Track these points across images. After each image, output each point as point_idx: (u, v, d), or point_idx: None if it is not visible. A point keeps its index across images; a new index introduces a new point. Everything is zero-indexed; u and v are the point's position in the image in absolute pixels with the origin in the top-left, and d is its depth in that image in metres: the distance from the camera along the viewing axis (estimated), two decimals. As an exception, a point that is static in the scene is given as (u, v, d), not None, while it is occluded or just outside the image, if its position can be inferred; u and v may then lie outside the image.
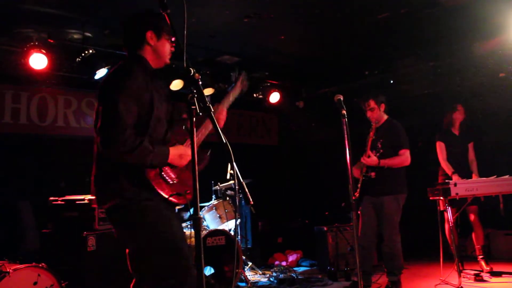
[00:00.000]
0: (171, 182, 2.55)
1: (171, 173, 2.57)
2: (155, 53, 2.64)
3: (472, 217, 5.61)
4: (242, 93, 3.18)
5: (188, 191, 2.58)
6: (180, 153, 2.56)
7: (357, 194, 4.81)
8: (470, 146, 5.89)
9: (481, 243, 5.60)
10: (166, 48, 2.67)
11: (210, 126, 2.78)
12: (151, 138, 2.48)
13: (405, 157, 4.85)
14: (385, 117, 5.07)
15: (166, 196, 2.48)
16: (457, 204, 5.20)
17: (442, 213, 5.21)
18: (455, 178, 5.49)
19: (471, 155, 5.88)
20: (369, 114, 5.01)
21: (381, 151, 4.87)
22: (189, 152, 2.55)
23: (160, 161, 2.47)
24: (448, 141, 5.86)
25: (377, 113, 5.00)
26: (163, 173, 2.52)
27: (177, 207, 2.68)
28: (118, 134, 2.31)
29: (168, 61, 2.71)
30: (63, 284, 4.03)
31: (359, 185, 4.88)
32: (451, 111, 5.96)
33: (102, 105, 2.41)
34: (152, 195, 2.45)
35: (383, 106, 5.04)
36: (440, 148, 5.85)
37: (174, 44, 2.67)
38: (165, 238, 2.46)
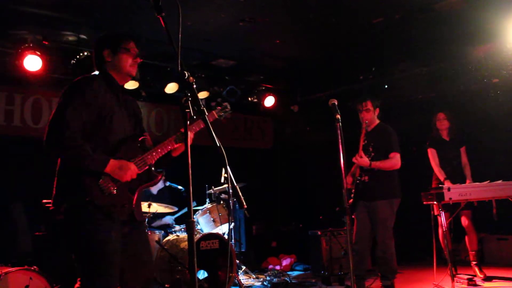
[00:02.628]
0: (106, 194, 2.52)
1: (110, 185, 2.54)
2: (115, 68, 2.76)
3: (465, 221, 5.62)
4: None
5: (126, 205, 2.61)
6: (120, 165, 2.56)
7: (350, 201, 4.82)
8: (462, 150, 5.88)
9: (474, 248, 5.61)
10: (124, 62, 2.76)
11: (172, 146, 2.82)
12: (98, 147, 2.56)
13: (395, 160, 4.86)
14: (377, 121, 5.09)
15: (99, 204, 2.49)
16: (451, 208, 5.22)
17: (435, 217, 5.21)
18: (447, 184, 5.49)
19: (464, 159, 5.86)
20: (363, 115, 5.02)
21: (372, 154, 4.88)
22: (132, 166, 2.60)
23: (97, 167, 2.50)
24: (439, 147, 5.85)
25: (371, 115, 5.02)
26: (100, 181, 2.51)
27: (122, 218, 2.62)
28: (59, 130, 2.46)
29: (132, 73, 2.81)
30: (55, 287, 4.01)
31: (353, 190, 4.89)
32: (434, 120, 5.96)
33: (56, 107, 2.59)
34: (84, 201, 2.46)
35: (377, 110, 5.08)
36: (432, 155, 5.85)
37: (136, 54, 2.79)
38: (95, 247, 2.49)
